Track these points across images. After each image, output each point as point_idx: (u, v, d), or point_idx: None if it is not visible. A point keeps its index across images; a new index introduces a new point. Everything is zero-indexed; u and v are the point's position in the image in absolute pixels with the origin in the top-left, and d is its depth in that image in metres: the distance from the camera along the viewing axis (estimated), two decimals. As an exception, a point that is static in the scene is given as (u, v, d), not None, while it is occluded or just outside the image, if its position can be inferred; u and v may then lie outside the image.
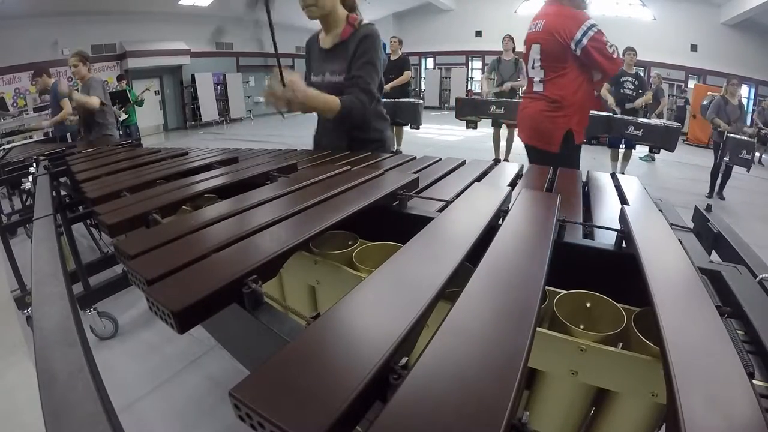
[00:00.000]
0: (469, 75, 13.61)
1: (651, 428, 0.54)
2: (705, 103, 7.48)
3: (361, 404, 0.31)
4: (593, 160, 6.42)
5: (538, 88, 2.06)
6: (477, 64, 13.40)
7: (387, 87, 5.52)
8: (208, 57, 11.11)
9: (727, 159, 4.48)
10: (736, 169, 4.56)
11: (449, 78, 13.65)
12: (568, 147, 2.02)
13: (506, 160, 5.02)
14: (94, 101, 3.26)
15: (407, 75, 5.68)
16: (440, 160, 1.39)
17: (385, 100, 5.51)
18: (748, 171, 4.52)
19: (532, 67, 2.07)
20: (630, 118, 4.50)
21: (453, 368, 0.33)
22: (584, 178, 1.22)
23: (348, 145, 1.65)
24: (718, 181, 4.66)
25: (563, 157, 1.98)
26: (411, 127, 5.66)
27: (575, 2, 1.97)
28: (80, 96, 3.27)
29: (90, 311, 2.05)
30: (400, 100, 5.44)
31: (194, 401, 1.72)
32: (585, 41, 1.88)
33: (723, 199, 4.60)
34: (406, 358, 0.36)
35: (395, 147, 5.73)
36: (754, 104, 5.57)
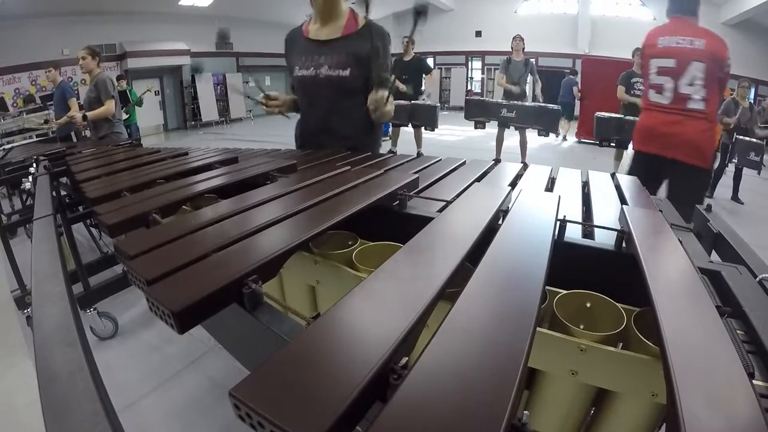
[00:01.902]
0: (469, 75, 13.61)
1: (651, 428, 0.54)
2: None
3: (361, 404, 0.31)
4: (593, 160, 6.42)
5: (696, 105, 2.11)
6: (477, 64, 13.40)
7: (426, 86, 5.48)
8: (208, 57, 11.11)
9: (735, 161, 4.45)
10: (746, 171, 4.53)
11: (449, 78, 13.65)
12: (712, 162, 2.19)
13: (524, 162, 4.90)
14: (110, 107, 3.28)
15: (436, 75, 5.59)
16: (440, 160, 1.39)
17: (402, 102, 5.51)
18: (759, 173, 4.49)
19: (690, 85, 2.09)
20: None
21: (453, 368, 0.33)
22: (584, 178, 1.22)
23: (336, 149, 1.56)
24: (732, 184, 4.62)
25: (710, 173, 2.17)
26: (425, 129, 5.59)
27: (697, 17, 2.14)
28: (95, 113, 3.29)
29: (90, 311, 2.05)
30: (417, 102, 5.37)
31: (194, 401, 1.72)
32: (729, 64, 2.05)
33: (741, 203, 4.55)
34: (406, 358, 0.36)
35: (417, 149, 5.66)
36: (754, 104, 5.65)
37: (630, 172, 2.31)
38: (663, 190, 2.18)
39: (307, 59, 1.51)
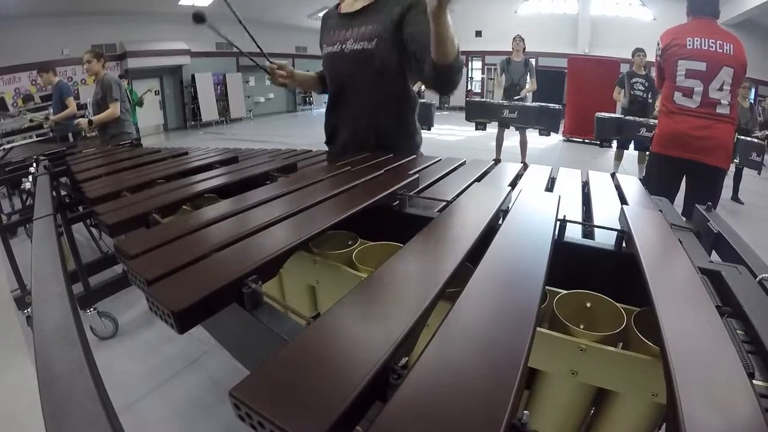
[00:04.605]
0: (469, 75, 13.60)
1: (651, 428, 0.54)
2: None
3: (361, 404, 0.31)
4: (593, 160, 6.42)
5: (723, 110, 2.11)
6: (477, 64, 13.39)
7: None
8: (208, 57, 11.10)
9: (736, 161, 4.45)
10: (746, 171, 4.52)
11: (449, 78, 13.64)
12: None
13: (524, 162, 4.87)
14: (114, 110, 3.32)
15: None
16: (440, 160, 1.39)
17: None
18: (759, 173, 4.48)
19: (719, 89, 2.08)
20: (642, 120, 4.45)
21: (453, 368, 0.33)
22: (584, 178, 1.22)
23: (375, 144, 1.33)
24: (732, 185, 4.61)
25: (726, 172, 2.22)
26: (421, 128, 5.60)
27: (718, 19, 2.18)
28: (99, 117, 3.33)
29: (90, 311, 2.05)
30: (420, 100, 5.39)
31: (194, 401, 1.72)
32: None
33: (741, 203, 4.54)
34: (406, 358, 0.36)
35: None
36: (754, 104, 5.65)
37: (648, 176, 2.31)
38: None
39: (334, 35, 1.30)
